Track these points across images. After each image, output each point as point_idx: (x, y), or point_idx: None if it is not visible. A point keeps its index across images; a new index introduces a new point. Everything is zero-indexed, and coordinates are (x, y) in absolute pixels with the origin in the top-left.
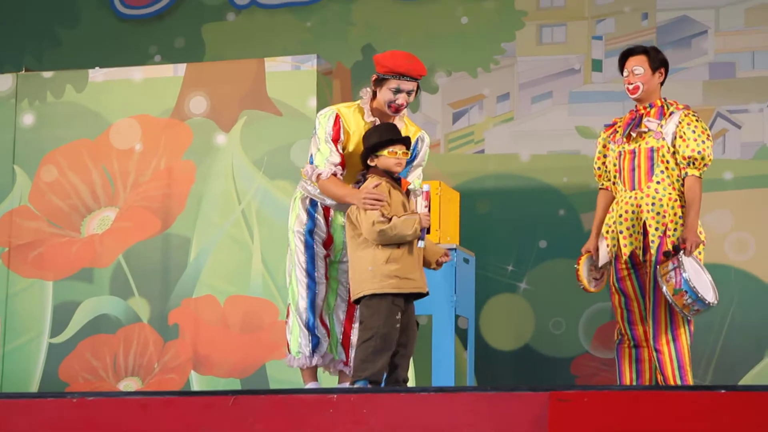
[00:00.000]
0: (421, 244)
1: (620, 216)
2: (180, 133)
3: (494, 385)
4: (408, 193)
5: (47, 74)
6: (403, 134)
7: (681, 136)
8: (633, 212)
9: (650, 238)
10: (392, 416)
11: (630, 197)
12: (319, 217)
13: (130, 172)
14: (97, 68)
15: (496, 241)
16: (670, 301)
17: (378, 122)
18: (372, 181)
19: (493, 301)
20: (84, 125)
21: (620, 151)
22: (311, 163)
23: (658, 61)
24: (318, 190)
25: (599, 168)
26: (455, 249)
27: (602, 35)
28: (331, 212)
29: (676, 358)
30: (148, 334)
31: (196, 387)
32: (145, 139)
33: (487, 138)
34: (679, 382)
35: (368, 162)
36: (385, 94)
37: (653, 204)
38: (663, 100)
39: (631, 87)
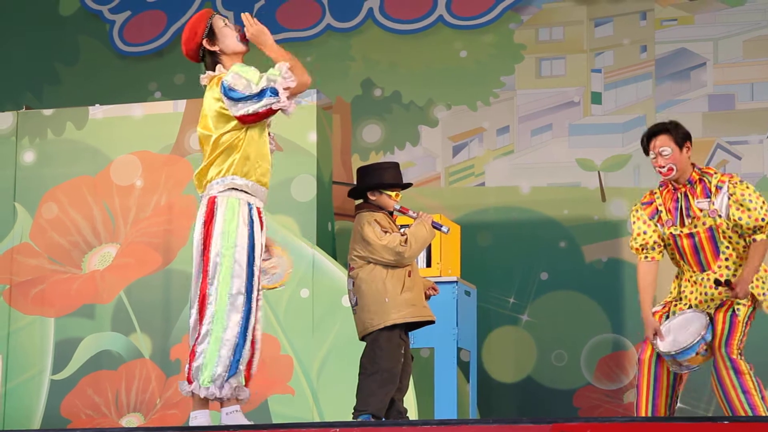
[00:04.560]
0: (446, 229)
1: (704, 294)
2: (180, 169)
3: (497, 418)
4: None
5: (47, 112)
6: None
7: (739, 208)
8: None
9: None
10: None
11: (702, 278)
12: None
13: (130, 208)
14: (97, 105)
15: (497, 273)
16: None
17: None
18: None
19: (495, 333)
20: (84, 162)
21: (674, 235)
22: None
23: (681, 136)
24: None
25: (640, 245)
26: (456, 282)
27: (601, 68)
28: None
29: (739, 386)
30: (150, 369)
31: None
32: (145, 175)
33: (488, 171)
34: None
35: (368, 195)
36: None
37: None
38: (698, 171)
39: (664, 170)
